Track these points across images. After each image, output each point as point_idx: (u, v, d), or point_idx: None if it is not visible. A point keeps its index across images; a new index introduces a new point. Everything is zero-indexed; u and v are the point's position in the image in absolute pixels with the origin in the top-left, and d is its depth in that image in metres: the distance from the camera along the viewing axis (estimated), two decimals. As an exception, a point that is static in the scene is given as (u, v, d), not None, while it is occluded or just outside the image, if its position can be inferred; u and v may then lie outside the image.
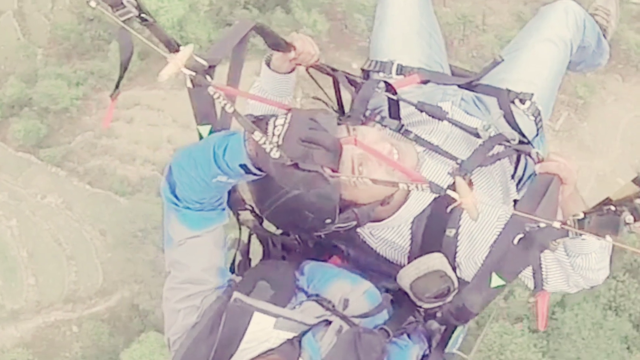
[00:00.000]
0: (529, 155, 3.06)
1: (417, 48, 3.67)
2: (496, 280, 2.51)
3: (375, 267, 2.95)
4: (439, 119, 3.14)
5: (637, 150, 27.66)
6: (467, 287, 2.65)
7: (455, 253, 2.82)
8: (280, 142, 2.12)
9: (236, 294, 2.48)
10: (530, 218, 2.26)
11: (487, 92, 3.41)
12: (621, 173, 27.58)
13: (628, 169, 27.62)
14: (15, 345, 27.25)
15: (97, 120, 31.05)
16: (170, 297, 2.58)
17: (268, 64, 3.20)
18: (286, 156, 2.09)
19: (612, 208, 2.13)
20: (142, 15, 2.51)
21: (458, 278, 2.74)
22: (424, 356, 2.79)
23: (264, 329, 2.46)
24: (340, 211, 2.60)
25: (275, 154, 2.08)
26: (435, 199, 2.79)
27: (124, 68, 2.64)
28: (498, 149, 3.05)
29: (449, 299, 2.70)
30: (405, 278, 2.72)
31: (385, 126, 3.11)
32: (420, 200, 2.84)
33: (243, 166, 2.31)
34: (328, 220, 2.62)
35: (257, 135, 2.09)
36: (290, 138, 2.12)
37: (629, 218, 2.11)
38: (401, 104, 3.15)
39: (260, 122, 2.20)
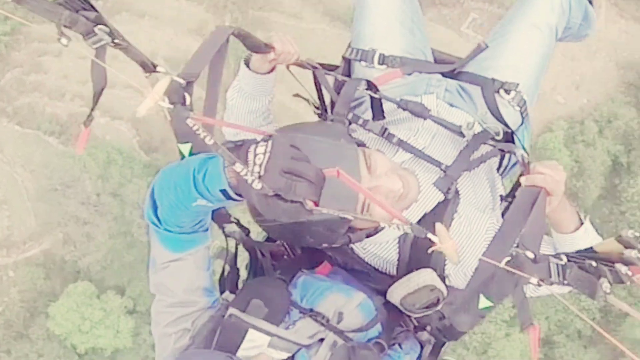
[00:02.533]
0: (514, 154, 2.96)
1: (399, 36, 3.57)
2: (484, 302, 2.44)
3: (365, 274, 2.93)
4: (423, 118, 3.08)
5: (577, 65, 26.62)
6: (455, 308, 2.63)
7: (444, 265, 2.76)
8: (262, 173, 2.08)
9: (232, 310, 2.49)
10: (509, 270, 2.22)
11: (471, 81, 3.35)
12: (562, 90, 26.64)
13: (569, 86, 26.69)
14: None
15: (26, 55, 29.88)
16: (159, 321, 2.56)
17: (247, 64, 3.17)
18: (268, 188, 2.04)
19: (594, 264, 2.10)
20: (116, 40, 2.42)
21: (447, 286, 2.71)
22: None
23: (258, 347, 2.47)
24: None
25: (257, 185, 2.04)
26: (421, 218, 2.79)
27: (96, 99, 2.55)
28: (483, 149, 3.03)
29: (440, 307, 2.67)
30: (395, 295, 2.69)
31: (369, 130, 3.04)
32: (409, 218, 2.68)
33: (223, 191, 2.26)
34: (325, 245, 2.57)
35: (238, 167, 2.04)
36: (272, 169, 2.08)
37: (606, 286, 2.04)
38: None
39: (240, 148, 2.17)
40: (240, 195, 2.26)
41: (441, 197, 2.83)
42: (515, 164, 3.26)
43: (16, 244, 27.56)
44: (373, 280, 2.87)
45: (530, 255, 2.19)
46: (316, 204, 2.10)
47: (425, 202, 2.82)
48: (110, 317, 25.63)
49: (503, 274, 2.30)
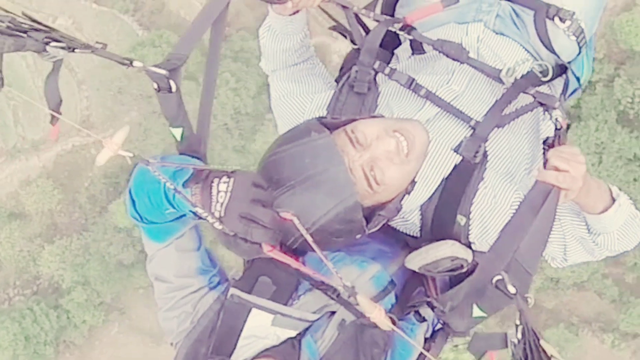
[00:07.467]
0: (553, 109, 2.78)
1: None
2: (477, 312, 2.43)
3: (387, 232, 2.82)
4: (459, 62, 2.87)
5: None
6: (451, 312, 2.54)
7: (468, 236, 2.70)
8: (222, 214, 2.11)
9: (233, 290, 2.48)
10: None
11: (525, 4, 3.04)
12: None
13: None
14: (39, 176, 28.17)
15: None
16: (161, 305, 2.59)
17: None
18: (228, 230, 2.09)
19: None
20: (77, 50, 2.35)
21: (474, 251, 2.66)
22: (434, 331, 2.71)
23: (262, 326, 2.45)
24: (368, 221, 2.40)
25: (217, 226, 2.09)
26: (444, 184, 2.70)
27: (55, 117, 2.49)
28: (523, 100, 2.82)
29: (464, 270, 2.63)
30: (412, 264, 2.65)
31: (396, 81, 2.87)
32: (426, 185, 2.70)
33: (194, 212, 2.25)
34: (359, 235, 2.43)
35: (200, 210, 2.10)
36: (231, 212, 2.10)
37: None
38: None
39: (205, 180, 2.17)
40: None
41: (458, 158, 2.69)
42: (575, 90, 3.11)
43: (95, 125, 28.03)
44: (396, 239, 2.83)
45: (512, 290, 2.25)
46: (274, 247, 2.14)
47: (442, 165, 2.71)
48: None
49: (493, 291, 2.33)
